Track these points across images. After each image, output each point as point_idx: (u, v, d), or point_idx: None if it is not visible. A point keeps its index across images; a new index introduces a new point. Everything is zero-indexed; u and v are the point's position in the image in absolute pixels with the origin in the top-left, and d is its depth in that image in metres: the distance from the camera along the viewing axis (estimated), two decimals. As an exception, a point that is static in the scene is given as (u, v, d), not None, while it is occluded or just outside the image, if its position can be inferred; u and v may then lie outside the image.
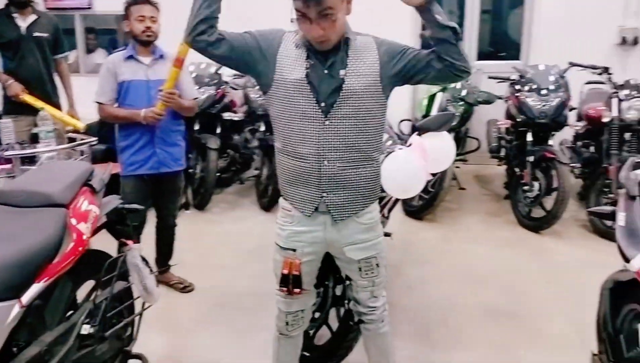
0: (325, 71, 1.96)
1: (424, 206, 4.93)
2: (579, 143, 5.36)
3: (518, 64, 5.86)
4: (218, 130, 5.53)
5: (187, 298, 3.63)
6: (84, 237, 2.07)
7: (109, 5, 6.83)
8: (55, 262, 1.95)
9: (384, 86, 1.98)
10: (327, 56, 1.97)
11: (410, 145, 2.62)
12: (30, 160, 3.56)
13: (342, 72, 1.96)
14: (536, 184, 4.69)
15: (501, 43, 7.23)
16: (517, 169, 4.93)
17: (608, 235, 4.41)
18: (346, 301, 2.60)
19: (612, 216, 2.04)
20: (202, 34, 1.94)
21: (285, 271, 2.10)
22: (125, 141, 3.41)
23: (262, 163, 5.39)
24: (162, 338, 3.11)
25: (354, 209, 2.07)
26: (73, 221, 2.05)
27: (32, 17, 4.39)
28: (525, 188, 4.76)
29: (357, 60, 1.97)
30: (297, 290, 2.11)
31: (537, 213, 4.76)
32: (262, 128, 5.47)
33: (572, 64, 4.82)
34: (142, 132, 3.36)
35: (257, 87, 5.22)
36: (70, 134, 4.19)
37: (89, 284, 2.29)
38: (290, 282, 2.10)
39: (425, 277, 3.88)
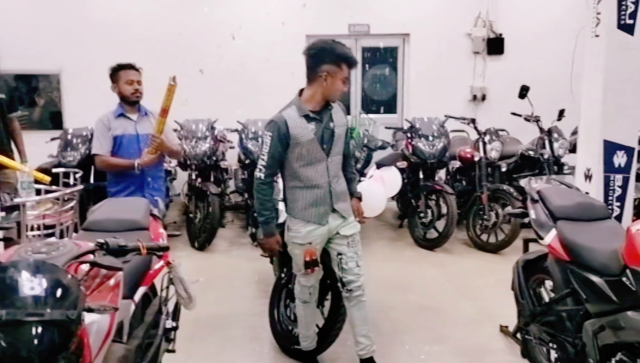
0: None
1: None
2: (451, 178, 6.68)
3: (395, 116, 7.13)
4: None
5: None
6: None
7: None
8: (151, 271, 2.56)
9: None
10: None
11: (371, 176, 3.56)
12: (12, 209, 3.91)
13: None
14: (429, 212, 5.85)
15: (378, 101, 8.53)
16: (412, 201, 6.05)
17: (485, 248, 5.69)
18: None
19: (523, 214, 3.13)
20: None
21: (307, 259, 3.05)
22: (117, 187, 3.91)
23: (195, 207, 5.95)
24: None
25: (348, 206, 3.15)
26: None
27: None
28: (421, 215, 5.89)
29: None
30: (316, 268, 3.13)
31: (430, 234, 5.90)
32: (194, 176, 6.06)
33: (448, 117, 6.13)
34: (132, 179, 3.88)
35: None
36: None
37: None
38: (310, 265, 3.07)
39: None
